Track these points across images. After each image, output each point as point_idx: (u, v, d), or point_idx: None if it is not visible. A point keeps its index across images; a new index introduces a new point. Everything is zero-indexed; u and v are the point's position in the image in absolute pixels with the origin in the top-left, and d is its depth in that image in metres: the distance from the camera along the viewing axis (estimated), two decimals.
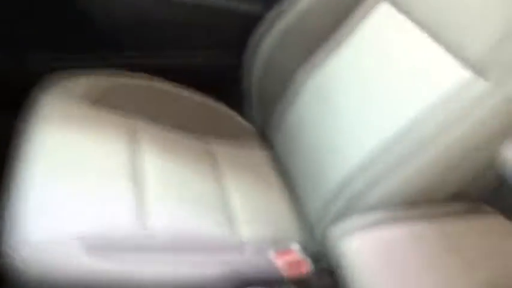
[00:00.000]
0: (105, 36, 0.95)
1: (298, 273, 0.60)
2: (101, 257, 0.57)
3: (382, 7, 0.78)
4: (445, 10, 0.66)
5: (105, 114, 0.83)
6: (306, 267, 0.62)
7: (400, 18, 0.73)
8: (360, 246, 0.49)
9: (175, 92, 0.96)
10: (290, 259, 0.63)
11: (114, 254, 0.59)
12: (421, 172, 0.56)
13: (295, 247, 0.65)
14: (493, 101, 0.52)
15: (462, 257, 0.48)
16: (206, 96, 1.00)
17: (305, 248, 0.67)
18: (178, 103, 0.96)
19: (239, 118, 1.02)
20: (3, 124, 0.80)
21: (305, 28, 0.87)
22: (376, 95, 0.70)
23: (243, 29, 0.95)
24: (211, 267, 0.64)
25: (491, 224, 0.54)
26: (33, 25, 0.96)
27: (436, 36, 0.66)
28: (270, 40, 0.90)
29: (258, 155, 0.94)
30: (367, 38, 0.79)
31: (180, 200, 0.74)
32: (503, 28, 0.56)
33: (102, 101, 0.85)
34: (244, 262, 0.67)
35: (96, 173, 0.70)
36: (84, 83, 0.89)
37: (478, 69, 0.57)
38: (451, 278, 0.45)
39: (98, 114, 0.83)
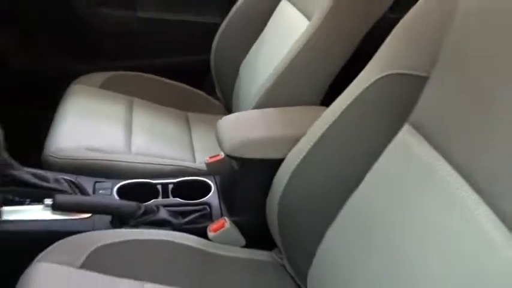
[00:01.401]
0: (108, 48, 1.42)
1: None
2: (98, 152, 0.99)
3: None
4: None
5: (112, 93, 1.28)
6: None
7: None
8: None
9: (161, 80, 1.39)
10: (217, 158, 1.01)
11: (106, 154, 1.01)
12: None
13: (222, 154, 1.02)
14: None
15: (278, 119, 0.85)
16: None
17: None
18: (163, 88, 1.39)
19: (209, 97, 1.43)
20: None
21: (234, 32, 1.29)
22: None
23: (208, 34, 1.38)
24: (170, 166, 1.03)
25: (311, 110, 0.90)
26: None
27: None
28: (215, 41, 1.32)
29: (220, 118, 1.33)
30: None
31: (155, 138, 1.15)
32: None
33: (110, 86, 1.30)
34: (193, 166, 1.06)
35: (102, 119, 1.13)
36: (99, 77, 1.34)
37: None
38: (272, 128, 0.83)
39: (107, 93, 1.27)
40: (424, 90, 0.65)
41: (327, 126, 0.73)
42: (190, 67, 1.51)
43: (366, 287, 0.64)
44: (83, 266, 0.72)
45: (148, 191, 0.94)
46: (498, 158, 0.51)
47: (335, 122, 0.72)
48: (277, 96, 0.94)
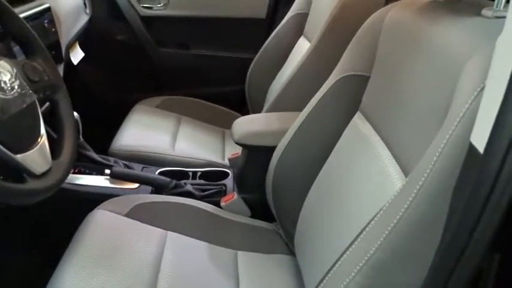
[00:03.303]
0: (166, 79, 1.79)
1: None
2: (148, 148, 1.31)
3: None
4: None
5: (165, 112, 1.61)
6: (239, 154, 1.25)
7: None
8: None
9: (205, 103, 1.71)
10: (236, 155, 1.28)
11: (154, 149, 1.32)
12: None
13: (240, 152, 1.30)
14: None
15: (275, 119, 1.11)
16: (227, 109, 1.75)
17: None
18: (206, 109, 1.70)
19: None
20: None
21: (264, 64, 1.60)
22: None
23: (244, 67, 1.70)
24: (201, 160, 1.32)
25: None
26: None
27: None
28: (249, 73, 1.64)
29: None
30: None
31: (194, 144, 1.44)
32: None
33: (164, 107, 1.64)
34: (219, 162, 1.34)
35: (155, 129, 1.45)
36: (156, 100, 1.69)
37: None
38: (270, 125, 1.09)
39: (161, 112, 1.60)
40: (367, 86, 0.89)
41: (303, 118, 0.98)
42: (230, 94, 1.84)
43: (327, 225, 0.85)
44: (127, 215, 1.01)
45: (182, 176, 1.23)
46: (400, 127, 0.74)
47: (309, 114, 0.97)
48: (281, 104, 1.22)
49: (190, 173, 1.24)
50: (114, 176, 1.10)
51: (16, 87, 0.70)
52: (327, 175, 0.93)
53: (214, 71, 1.83)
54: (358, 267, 0.57)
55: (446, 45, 0.65)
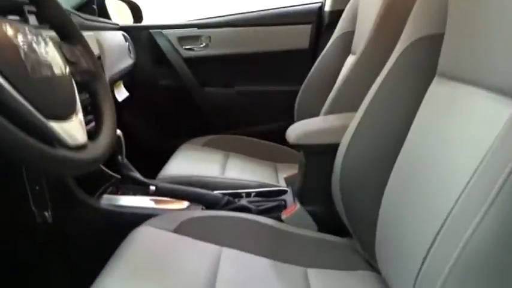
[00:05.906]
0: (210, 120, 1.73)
1: None
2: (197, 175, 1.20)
3: None
4: None
5: (212, 149, 1.51)
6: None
7: None
8: None
9: (253, 140, 1.61)
10: (292, 174, 1.14)
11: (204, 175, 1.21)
12: None
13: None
14: None
15: (334, 118, 0.97)
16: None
17: None
18: (255, 145, 1.60)
19: (296, 152, 1.59)
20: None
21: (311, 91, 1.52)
22: None
23: (290, 100, 1.62)
24: (255, 182, 1.19)
25: None
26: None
27: None
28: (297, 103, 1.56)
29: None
30: None
31: (245, 172, 1.32)
32: None
33: (210, 145, 1.54)
34: (274, 183, 1.20)
35: (202, 161, 1.35)
36: (202, 139, 1.61)
37: None
38: (328, 122, 0.95)
39: (208, 149, 1.51)
40: (443, 43, 0.77)
41: (368, 101, 0.85)
42: (279, 129, 1.72)
43: (415, 226, 0.67)
44: (176, 231, 0.87)
45: (234, 198, 1.10)
46: (491, 55, 0.60)
47: (375, 96, 0.85)
48: (336, 108, 1.10)
49: (244, 194, 1.10)
50: (160, 193, 0.99)
51: (50, 53, 0.63)
52: (407, 160, 0.77)
53: (260, 107, 1.76)
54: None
55: None
